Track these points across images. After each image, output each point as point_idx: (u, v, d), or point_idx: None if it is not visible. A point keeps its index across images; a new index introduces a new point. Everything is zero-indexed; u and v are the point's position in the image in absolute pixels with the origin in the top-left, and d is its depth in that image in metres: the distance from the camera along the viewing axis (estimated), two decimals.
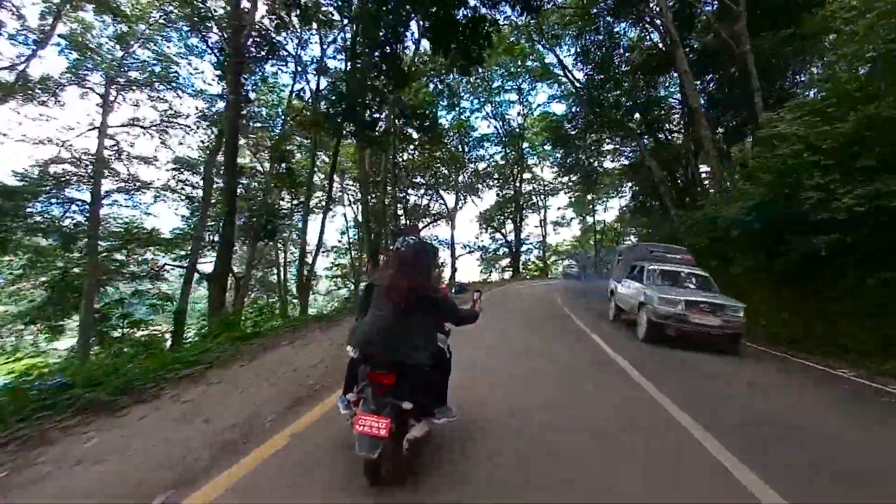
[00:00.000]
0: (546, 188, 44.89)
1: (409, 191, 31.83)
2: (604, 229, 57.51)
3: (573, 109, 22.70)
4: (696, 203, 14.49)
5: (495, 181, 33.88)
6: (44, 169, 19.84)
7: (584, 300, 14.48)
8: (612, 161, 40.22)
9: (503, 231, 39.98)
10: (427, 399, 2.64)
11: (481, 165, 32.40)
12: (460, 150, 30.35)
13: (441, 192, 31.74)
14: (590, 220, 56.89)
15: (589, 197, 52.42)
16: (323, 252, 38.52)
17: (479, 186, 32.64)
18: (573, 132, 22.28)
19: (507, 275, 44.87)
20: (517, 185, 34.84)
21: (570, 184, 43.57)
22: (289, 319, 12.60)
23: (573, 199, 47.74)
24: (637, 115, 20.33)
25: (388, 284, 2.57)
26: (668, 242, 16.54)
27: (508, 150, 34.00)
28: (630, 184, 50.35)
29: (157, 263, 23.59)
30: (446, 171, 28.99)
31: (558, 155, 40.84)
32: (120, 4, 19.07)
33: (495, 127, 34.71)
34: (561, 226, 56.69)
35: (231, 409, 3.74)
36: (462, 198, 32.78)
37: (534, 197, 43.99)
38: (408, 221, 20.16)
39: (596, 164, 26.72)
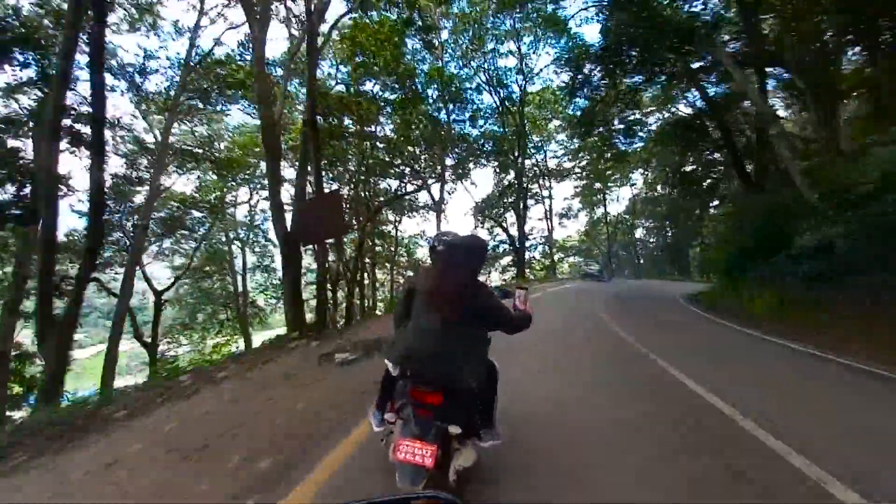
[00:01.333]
0: (552, 171, 38.62)
1: (388, 180, 25.72)
2: (615, 221, 51.50)
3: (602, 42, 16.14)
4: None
5: (491, 158, 27.32)
6: None
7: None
8: (624, 142, 34.34)
9: (504, 224, 33.74)
10: (474, 420, 2.29)
11: (474, 135, 25.67)
12: (444, 117, 24.00)
13: (424, 178, 25.52)
14: (599, 211, 51.06)
15: (597, 185, 46.43)
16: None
17: (471, 165, 26.29)
18: (600, 73, 15.94)
19: (508, 276, 38.85)
20: (518, 160, 28.24)
21: (581, 167, 37.42)
22: None
23: (583, 186, 41.83)
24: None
25: (432, 290, 2.24)
26: (780, 216, 10.39)
27: (506, 128, 27.65)
28: (643, 172, 44.44)
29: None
30: (426, 150, 22.67)
31: (566, 137, 34.84)
32: None
33: (490, 93, 28.41)
34: (567, 218, 50.96)
35: None
36: (451, 182, 26.32)
37: (537, 184, 37.84)
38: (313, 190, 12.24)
39: (631, 115, 20.15)
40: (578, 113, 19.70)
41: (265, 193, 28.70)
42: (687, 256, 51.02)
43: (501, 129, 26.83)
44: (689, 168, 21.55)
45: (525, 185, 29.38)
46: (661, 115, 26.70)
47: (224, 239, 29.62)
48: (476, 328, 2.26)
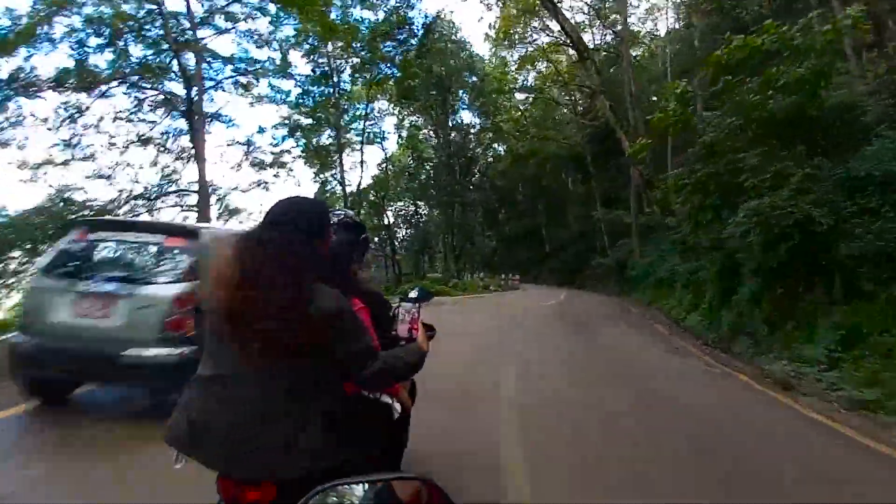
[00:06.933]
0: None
1: None
2: (360, 195, 38.61)
3: None
4: None
5: None
6: None
7: None
8: None
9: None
10: None
11: None
12: None
13: None
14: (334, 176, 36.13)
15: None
16: None
17: None
18: None
19: None
20: None
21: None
22: None
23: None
24: None
25: (228, 307, 1.12)
26: None
27: None
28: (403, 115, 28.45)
29: None
30: None
31: None
32: None
33: None
34: (277, 167, 25.14)
35: None
36: None
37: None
38: None
39: None
40: None
41: None
42: (424, 256, 42.49)
43: None
44: None
45: None
46: None
47: None
48: (321, 362, 1.16)
